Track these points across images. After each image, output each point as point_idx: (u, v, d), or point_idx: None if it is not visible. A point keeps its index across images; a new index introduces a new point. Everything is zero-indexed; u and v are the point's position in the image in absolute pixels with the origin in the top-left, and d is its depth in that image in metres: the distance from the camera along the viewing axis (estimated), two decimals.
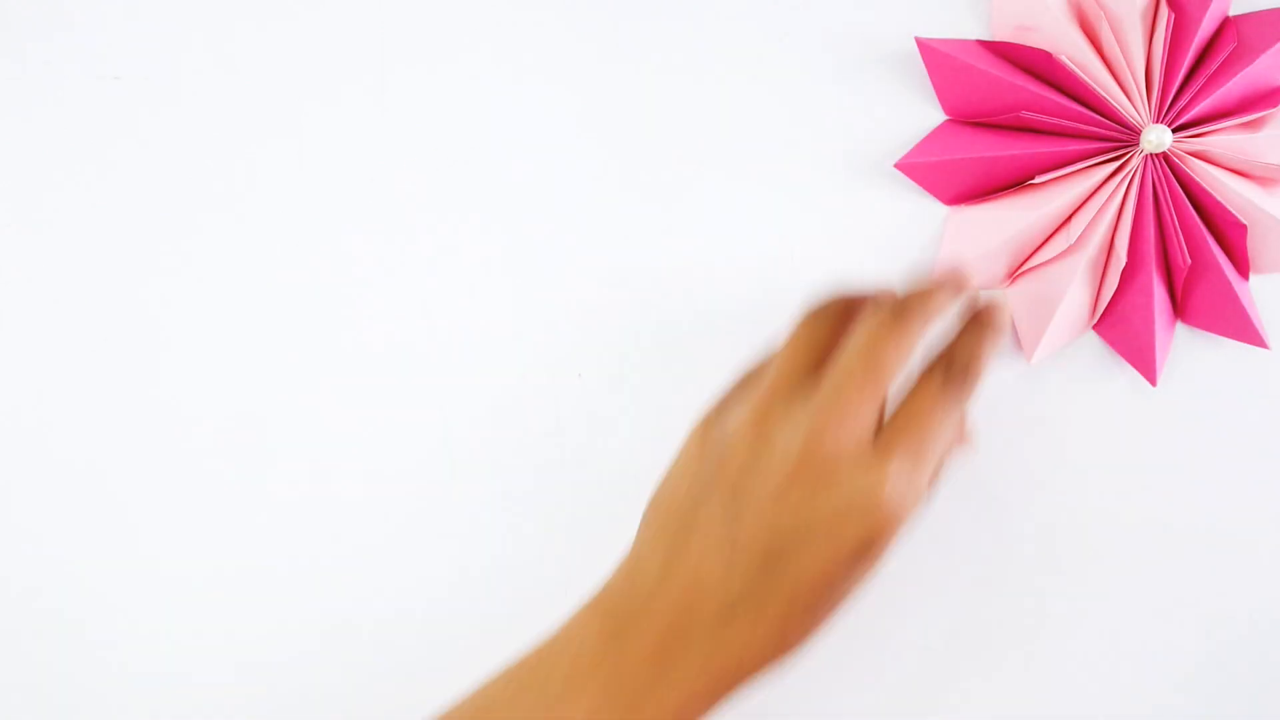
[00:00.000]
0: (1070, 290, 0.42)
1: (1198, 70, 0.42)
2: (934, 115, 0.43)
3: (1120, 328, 0.43)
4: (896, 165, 0.42)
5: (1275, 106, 0.41)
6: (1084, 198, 0.42)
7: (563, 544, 0.44)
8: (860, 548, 0.32)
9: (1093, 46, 0.42)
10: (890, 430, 0.33)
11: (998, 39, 0.43)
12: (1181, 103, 0.41)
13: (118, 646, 0.45)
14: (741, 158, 0.44)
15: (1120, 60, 0.41)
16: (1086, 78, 0.41)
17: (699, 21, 0.44)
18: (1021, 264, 0.43)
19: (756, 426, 0.34)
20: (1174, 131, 0.41)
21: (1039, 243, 0.43)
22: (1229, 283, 0.42)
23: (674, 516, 0.34)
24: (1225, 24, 0.42)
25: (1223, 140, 0.41)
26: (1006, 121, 0.42)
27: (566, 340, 0.44)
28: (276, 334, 0.45)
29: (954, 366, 0.35)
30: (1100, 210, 0.42)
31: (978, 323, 0.36)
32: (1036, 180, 0.41)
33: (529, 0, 0.44)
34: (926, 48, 0.42)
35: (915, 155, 0.42)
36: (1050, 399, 0.43)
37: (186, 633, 0.45)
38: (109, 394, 0.45)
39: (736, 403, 0.36)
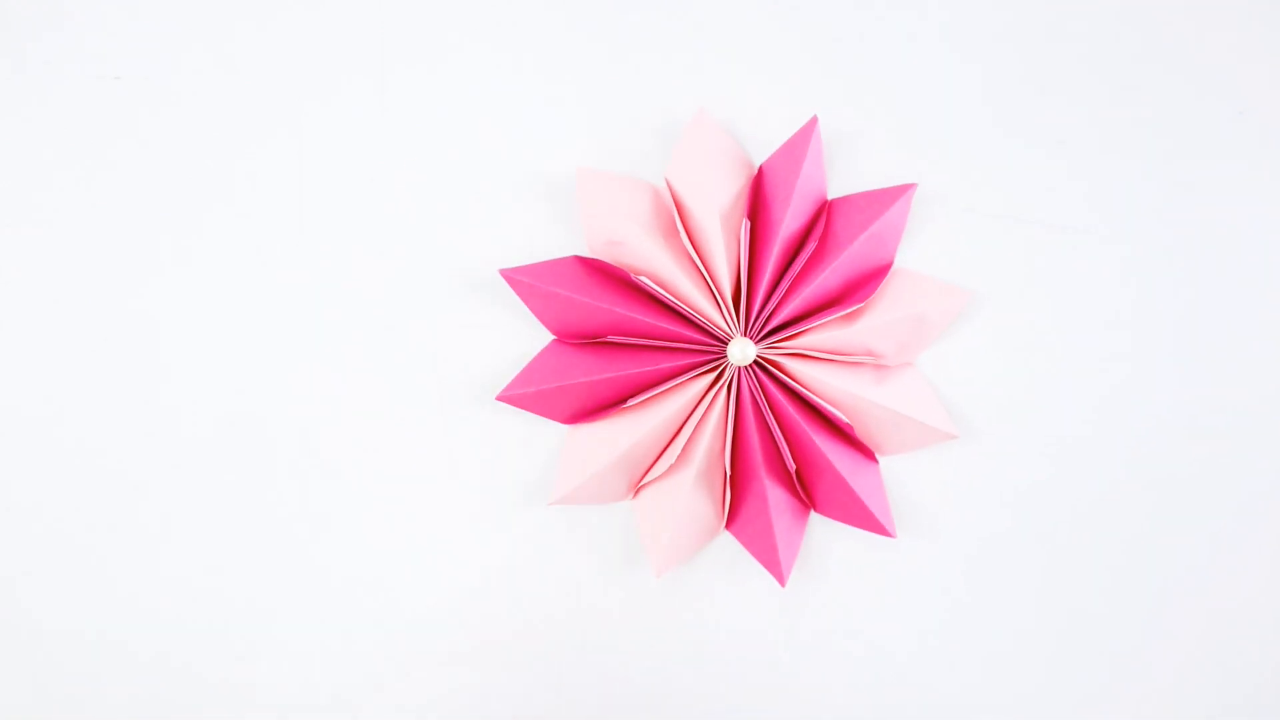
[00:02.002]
0: (681, 504, 0.41)
1: (787, 272, 0.42)
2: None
3: (748, 531, 0.42)
4: (497, 398, 0.42)
5: (866, 300, 0.41)
6: (689, 410, 0.42)
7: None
8: None
9: (684, 257, 0.42)
10: None
11: (593, 253, 0.42)
12: (769, 309, 0.41)
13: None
14: None
15: (704, 272, 0.41)
16: (669, 295, 0.41)
17: (700, 21, 0.44)
18: (640, 478, 0.43)
19: None
20: (766, 337, 0.41)
21: (652, 458, 0.42)
22: (842, 478, 0.41)
23: None
24: (822, 209, 0.42)
25: (818, 339, 0.41)
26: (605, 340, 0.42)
27: None
28: (276, 332, 0.44)
29: None
30: (700, 423, 0.42)
31: None
32: (629, 404, 0.41)
33: (529, 0, 0.44)
34: (513, 279, 0.42)
35: (515, 387, 0.42)
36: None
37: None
38: (110, 392, 0.44)
39: None
